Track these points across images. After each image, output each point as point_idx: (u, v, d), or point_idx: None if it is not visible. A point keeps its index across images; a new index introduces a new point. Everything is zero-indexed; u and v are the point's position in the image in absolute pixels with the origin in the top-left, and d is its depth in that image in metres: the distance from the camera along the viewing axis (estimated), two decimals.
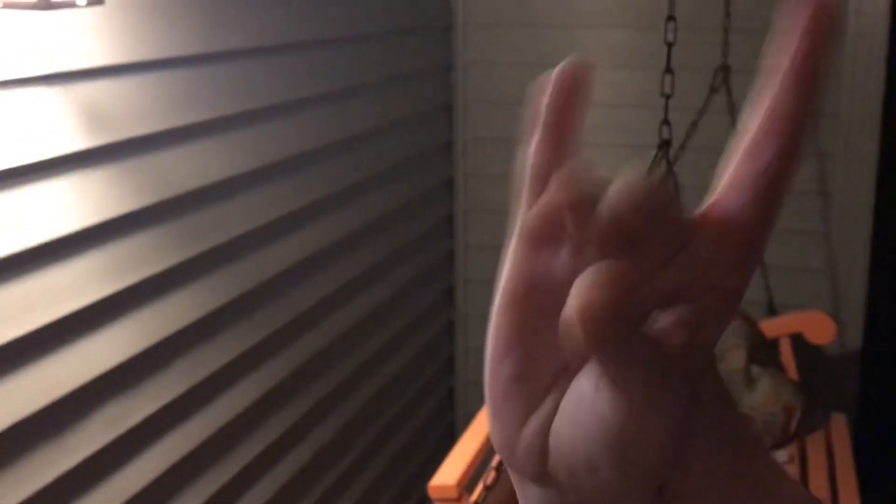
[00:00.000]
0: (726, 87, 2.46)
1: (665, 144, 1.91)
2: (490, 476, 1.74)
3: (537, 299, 0.34)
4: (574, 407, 0.33)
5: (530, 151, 0.35)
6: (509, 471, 0.36)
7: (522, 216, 0.34)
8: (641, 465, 0.32)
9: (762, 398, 2.29)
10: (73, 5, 1.25)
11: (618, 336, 0.29)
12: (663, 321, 0.33)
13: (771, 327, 2.53)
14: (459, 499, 1.70)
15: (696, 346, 0.32)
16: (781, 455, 2.30)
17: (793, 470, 2.22)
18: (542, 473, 0.34)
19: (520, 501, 0.37)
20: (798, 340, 2.53)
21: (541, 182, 0.35)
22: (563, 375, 0.34)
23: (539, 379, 0.34)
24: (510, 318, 0.34)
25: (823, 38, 0.32)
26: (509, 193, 0.36)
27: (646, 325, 0.33)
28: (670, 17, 1.86)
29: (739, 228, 0.32)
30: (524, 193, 0.35)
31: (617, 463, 0.32)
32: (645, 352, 0.31)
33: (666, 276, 0.32)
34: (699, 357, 0.33)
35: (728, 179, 0.33)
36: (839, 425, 2.45)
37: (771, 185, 0.32)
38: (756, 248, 0.33)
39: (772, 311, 2.64)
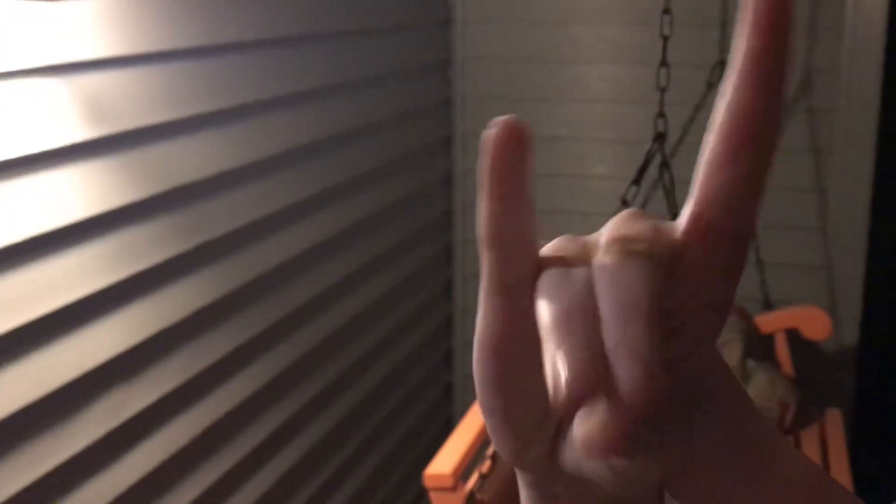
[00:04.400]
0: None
1: (660, 137, 1.93)
2: (486, 465, 1.75)
3: (517, 339, 0.33)
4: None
5: (480, 217, 0.33)
6: (516, 469, 0.36)
7: (482, 271, 0.33)
8: (644, 485, 0.33)
9: (757, 393, 2.30)
10: None
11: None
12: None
13: (767, 322, 2.54)
14: (455, 487, 1.71)
15: (692, 371, 0.32)
16: None
17: None
18: (551, 478, 0.34)
19: (520, 485, 0.37)
20: (794, 336, 2.54)
21: (495, 243, 0.33)
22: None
23: (536, 405, 0.33)
24: (493, 363, 0.33)
25: (775, 31, 0.31)
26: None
27: None
28: (666, 11, 1.87)
29: (722, 243, 0.31)
30: (480, 250, 0.33)
31: (618, 487, 0.32)
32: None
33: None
34: (696, 378, 0.32)
35: (702, 191, 0.32)
36: (834, 420, 2.46)
37: (750, 190, 0.31)
38: (740, 258, 0.32)
39: (768, 306, 2.65)
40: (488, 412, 0.34)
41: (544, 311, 0.31)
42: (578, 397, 0.29)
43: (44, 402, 1.32)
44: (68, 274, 1.36)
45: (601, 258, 0.31)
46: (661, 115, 1.94)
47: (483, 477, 1.73)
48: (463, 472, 1.81)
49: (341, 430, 2.23)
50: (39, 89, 1.31)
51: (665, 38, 1.91)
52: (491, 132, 0.32)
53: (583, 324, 0.30)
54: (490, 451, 1.76)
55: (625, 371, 0.28)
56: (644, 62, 2.57)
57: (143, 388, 1.53)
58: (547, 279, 0.32)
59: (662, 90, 1.94)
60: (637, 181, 1.92)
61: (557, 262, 0.32)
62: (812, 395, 2.53)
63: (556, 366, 0.29)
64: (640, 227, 0.31)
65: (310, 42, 2.03)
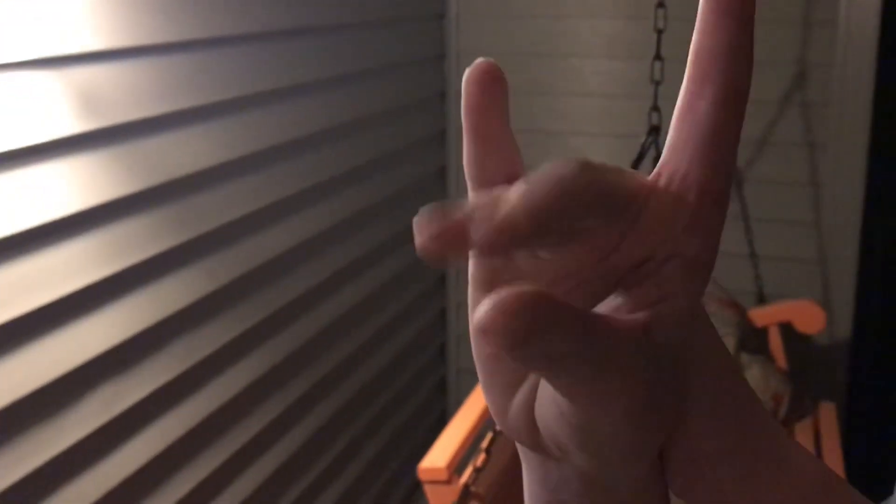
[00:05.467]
0: None
1: (654, 131, 1.93)
2: (480, 458, 1.75)
3: (505, 278, 0.33)
4: (544, 388, 0.33)
5: (464, 161, 0.34)
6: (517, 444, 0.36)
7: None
8: (602, 448, 0.32)
9: (751, 386, 2.31)
10: None
11: (526, 352, 0.27)
12: (625, 299, 0.31)
13: (760, 316, 2.54)
14: (449, 480, 1.71)
15: (661, 321, 0.31)
16: None
17: None
18: (534, 443, 0.34)
19: (523, 466, 0.37)
20: (787, 329, 2.55)
21: (480, 182, 0.34)
22: None
23: None
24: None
25: None
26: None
27: (605, 302, 0.32)
28: (660, 4, 1.87)
29: (691, 190, 0.31)
30: (470, 195, 0.34)
31: (582, 447, 0.32)
32: (581, 339, 0.28)
33: (623, 251, 0.31)
34: (665, 331, 0.31)
35: (671, 141, 0.32)
36: (828, 413, 2.47)
37: (714, 139, 0.30)
38: (713, 209, 0.31)
39: (761, 299, 2.65)
40: (478, 355, 0.34)
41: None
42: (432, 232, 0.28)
43: (37, 396, 1.32)
44: (61, 267, 1.36)
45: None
46: (656, 108, 1.95)
47: (477, 470, 1.73)
48: (457, 466, 1.81)
49: (336, 424, 2.23)
50: (32, 82, 1.30)
51: (659, 32, 1.91)
52: (465, 75, 0.32)
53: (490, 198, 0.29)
54: (485, 444, 1.76)
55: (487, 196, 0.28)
56: (638, 56, 2.57)
57: (137, 381, 1.52)
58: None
59: (657, 84, 1.94)
60: None
61: None
62: (806, 388, 2.54)
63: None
64: (612, 166, 0.31)
65: (304, 35, 2.03)
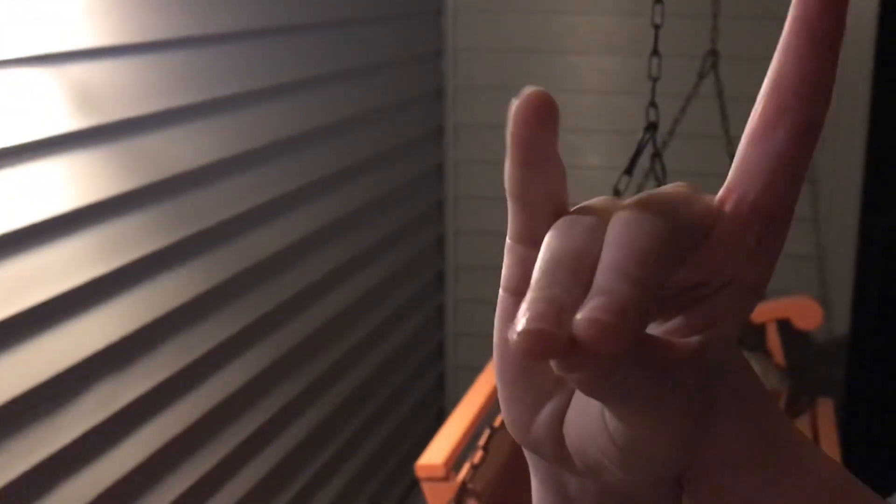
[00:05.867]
0: (715, 72, 2.47)
1: (652, 127, 1.92)
2: (477, 455, 1.75)
3: None
4: (583, 404, 0.32)
5: (507, 178, 0.33)
6: (524, 450, 0.36)
7: (509, 223, 0.33)
8: (647, 467, 0.32)
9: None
10: None
11: (599, 371, 0.27)
12: (678, 321, 0.31)
13: (758, 312, 2.54)
14: (447, 478, 1.71)
15: (713, 345, 0.31)
16: None
17: None
18: (557, 458, 0.34)
19: (532, 475, 0.37)
20: (785, 325, 2.55)
21: (520, 206, 0.32)
22: None
23: (549, 368, 0.32)
24: (515, 311, 0.32)
25: None
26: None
27: (657, 323, 0.32)
28: (658, 0, 1.86)
29: (756, 219, 0.30)
30: (508, 203, 0.33)
31: (624, 468, 0.31)
32: (644, 366, 0.28)
33: (682, 274, 0.31)
34: (716, 354, 0.31)
35: (740, 164, 0.31)
36: (825, 410, 2.47)
37: (787, 169, 0.30)
38: (776, 238, 0.31)
39: None
40: (503, 369, 0.33)
41: (541, 253, 0.29)
42: (527, 350, 0.26)
43: (34, 393, 1.31)
44: (58, 265, 1.35)
45: (624, 206, 0.30)
46: (653, 104, 1.94)
47: (475, 467, 1.73)
48: (455, 463, 1.81)
49: (333, 421, 2.23)
50: (28, 79, 1.30)
51: (657, 28, 1.91)
52: (516, 102, 0.32)
53: (571, 268, 0.28)
54: (482, 441, 1.76)
55: (591, 306, 0.26)
56: (636, 52, 2.57)
57: (135, 378, 1.52)
58: (558, 223, 0.30)
59: (654, 80, 1.94)
60: (629, 171, 1.91)
61: (578, 211, 0.31)
62: (803, 384, 2.54)
63: (517, 318, 0.26)
64: (674, 190, 0.30)
65: (300, 32, 2.03)
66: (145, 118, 1.53)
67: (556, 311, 0.26)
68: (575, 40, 2.76)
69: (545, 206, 0.31)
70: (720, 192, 0.31)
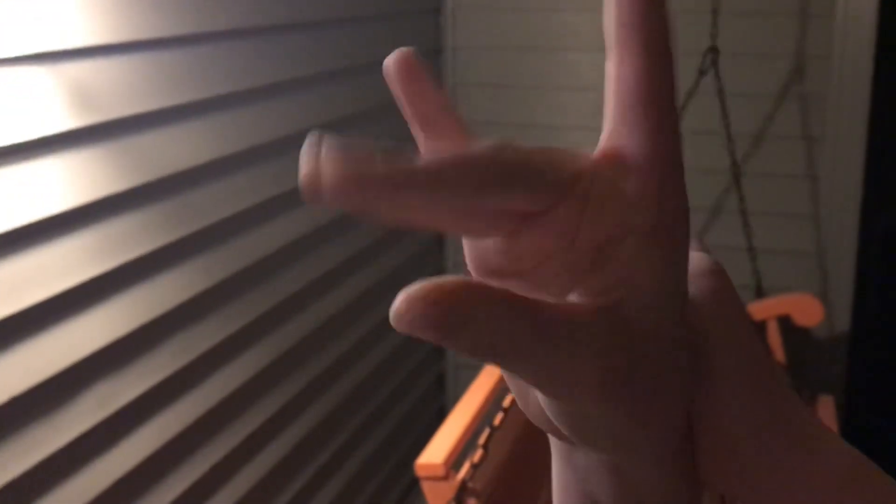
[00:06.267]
0: (715, 69, 2.47)
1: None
2: (477, 454, 1.74)
3: (493, 264, 0.33)
4: None
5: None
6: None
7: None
8: (602, 435, 0.31)
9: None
10: None
11: (453, 341, 0.26)
12: (595, 286, 0.30)
13: (758, 309, 2.54)
14: (447, 477, 1.71)
15: (627, 300, 0.30)
16: None
17: None
18: (554, 431, 0.34)
19: (552, 457, 0.37)
20: (785, 322, 2.54)
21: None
22: None
23: None
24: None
25: None
26: None
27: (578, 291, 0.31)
28: None
29: (633, 157, 0.30)
30: None
31: (576, 436, 0.31)
32: (538, 334, 0.27)
33: (584, 233, 0.30)
34: (639, 311, 0.30)
35: (606, 112, 0.31)
36: (826, 407, 2.46)
37: (645, 102, 0.30)
38: (663, 174, 0.30)
39: (760, 293, 2.65)
40: None
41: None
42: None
43: (32, 393, 1.31)
44: (56, 264, 1.35)
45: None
46: None
47: (475, 466, 1.73)
48: (455, 462, 1.81)
49: (333, 420, 2.22)
50: (26, 78, 1.30)
51: None
52: (384, 71, 0.32)
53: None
54: (482, 440, 1.76)
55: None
56: None
57: (133, 378, 1.52)
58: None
59: None
60: None
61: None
62: (804, 381, 2.53)
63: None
64: (551, 148, 0.30)
65: (299, 30, 2.02)
66: (143, 116, 1.53)
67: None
68: (574, 38, 2.76)
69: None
70: (597, 147, 0.31)
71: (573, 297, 0.31)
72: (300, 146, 0.26)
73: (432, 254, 2.92)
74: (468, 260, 0.34)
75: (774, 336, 2.54)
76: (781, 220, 2.70)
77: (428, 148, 0.33)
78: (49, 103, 1.33)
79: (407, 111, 0.33)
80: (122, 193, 1.48)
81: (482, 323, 0.26)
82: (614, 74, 0.30)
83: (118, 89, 1.47)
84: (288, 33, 1.98)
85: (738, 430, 0.32)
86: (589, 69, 2.76)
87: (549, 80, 2.79)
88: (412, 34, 2.70)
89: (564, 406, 0.30)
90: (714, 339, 0.32)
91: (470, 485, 1.72)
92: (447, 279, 0.27)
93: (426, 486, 1.76)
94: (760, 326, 2.53)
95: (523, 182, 0.29)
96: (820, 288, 2.69)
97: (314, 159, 0.26)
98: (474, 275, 0.34)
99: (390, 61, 0.32)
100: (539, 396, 0.31)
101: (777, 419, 0.32)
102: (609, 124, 0.31)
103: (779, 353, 2.52)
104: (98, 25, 1.43)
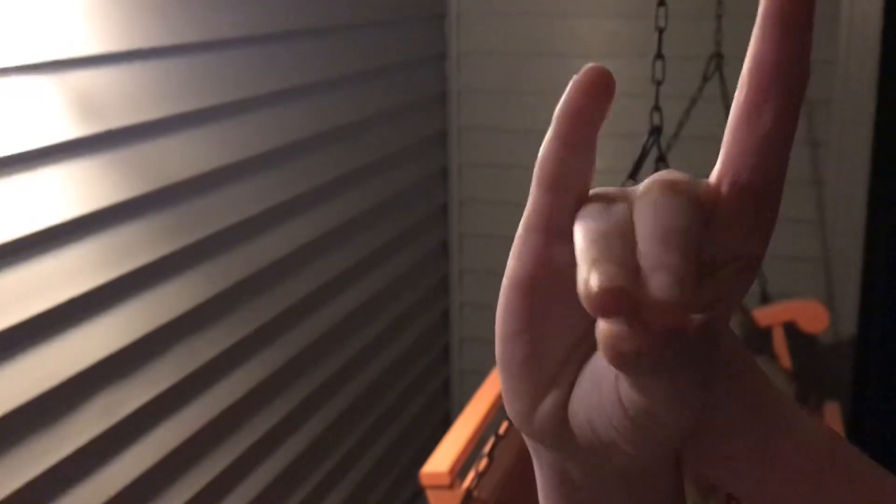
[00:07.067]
0: (719, 74, 2.46)
1: (656, 131, 1.91)
2: (482, 463, 1.74)
3: (546, 283, 0.34)
4: (593, 387, 0.33)
5: (542, 150, 0.34)
6: (526, 440, 0.37)
7: (528, 211, 0.34)
8: (659, 442, 0.33)
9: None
10: None
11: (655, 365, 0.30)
12: None
13: (764, 315, 2.53)
14: (451, 485, 1.70)
15: (719, 318, 0.33)
16: None
17: None
18: (561, 444, 0.34)
19: (535, 467, 0.38)
20: (791, 329, 2.54)
21: (551, 186, 0.34)
22: (576, 352, 0.34)
23: (551, 357, 0.34)
24: (520, 302, 0.34)
25: None
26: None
27: None
28: (661, 3, 1.85)
29: (749, 199, 0.32)
30: (532, 189, 0.34)
31: (633, 441, 0.32)
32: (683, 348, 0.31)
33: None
34: (722, 326, 0.33)
35: (730, 147, 0.32)
36: (832, 414, 2.45)
37: (774, 145, 0.32)
38: (771, 212, 0.33)
39: (765, 299, 2.64)
40: (506, 361, 0.35)
41: (580, 234, 0.31)
42: (606, 307, 0.28)
43: (37, 403, 1.31)
44: (60, 273, 1.35)
45: (643, 193, 0.32)
46: (657, 108, 1.93)
47: (480, 475, 1.72)
48: (460, 471, 1.80)
49: (338, 428, 2.22)
50: (29, 87, 1.29)
51: (660, 31, 1.90)
52: (576, 76, 0.33)
53: (620, 243, 0.30)
54: (487, 448, 1.75)
55: (658, 282, 0.28)
56: (639, 55, 2.56)
57: (138, 387, 1.52)
58: (587, 210, 0.32)
59: (658, 83, 1.93)
60: (633, 175, 1.91)
61: (599, 198, 0.33)
62: (810, 388, 2.52)
63: (589, 281, 0.28)
64: (679, 175, 0.32)
65: (303, 37, 2.02)
66: (147, 125, 1.52)
67: (626, 273, 0.28)
68: (578, 43, 2.75)
69: (574, 194, 0.33)
70: (713, 176, 0.33)
71: None
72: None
73: (437, 260, 2.92)
74: (534, 211, 0.34)
75: (780, 342, 2.53)
76: (787, 225, 2.69)
77: (563, 160, 0.34)
78: (52, 112, 1.33)
79: (567, 127, 0.33)
80: (126, 202, 1.47)
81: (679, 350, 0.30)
82: (750, 116, 0.31)
83: (121, 98, 1.47)
84: (292, 40, 1.97)
85: (722, 421, 0.34)
86: None
87: (553, 85, 2.79)
88: (417, 40, 2.70)
89: (661, 413, 0.31)
90: None
91: (475, 494, 1.72)
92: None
93: (431, 495, 1.76)
94: (766, 333, 2.52)
95: (701, 217, 0.32)
96: (826, 294, 2.68)
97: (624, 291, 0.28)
98: (533, 224, 0.35)
99: (587, 72, 0.33)
100: (620, 405, 0.32)
101: (758, 408, 0.34)
102: (734, 158, 0.32)
103: (784, 359, 2.52)
104: (101, 34, 1.42)
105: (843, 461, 0.34)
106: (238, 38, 1.78)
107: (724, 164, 0.32)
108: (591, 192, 0.34)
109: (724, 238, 0.32)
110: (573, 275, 0.30)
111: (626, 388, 0.31)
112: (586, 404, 0.33)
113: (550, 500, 0.37)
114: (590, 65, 0.33)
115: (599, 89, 0.33)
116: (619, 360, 0.28)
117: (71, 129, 1.36)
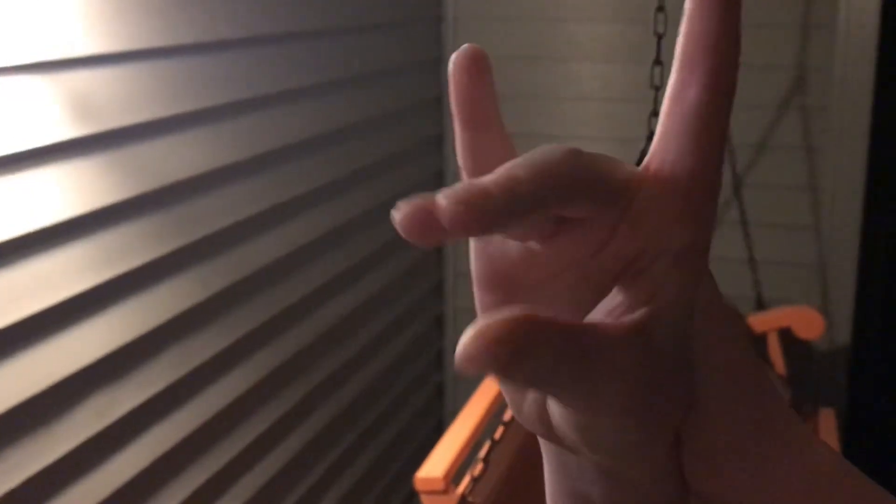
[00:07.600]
0: None
1: (654, 136, 1.91)
2: (477, 468, 1.73)
3: (505, 275, 0.33)
4: None
5: (458, 152, 0.34)
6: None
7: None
8: (614, 447, 0.31)
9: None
10: None
11: (514, 376, 0.27)
12: (620, 300, 0.31)
13: (759, 322, 2.53)
14: (446, 491, 1.70)
15: (656, 319, 0.30)
16: None
17: None
18: (549, 435, 0.34)
19: (544, 460, 0.37)
20: (786, 335, 2.54)
21: (467, 170, 0.34)
22: None
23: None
24: (487, 298, 0.34)
25: None
26: None
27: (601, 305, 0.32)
28: (660, 8, 1.86)
29: (679, 182, 0.30)
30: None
31: (589, 446, 0.32)
32: (571, 353, 0.28)
33: (615, 244, 0.31)
34: (665, 329, 0.30)
35: (660, 129, 0.32)
36: (827, 420, 2.45)
37: (704, 127, 0.30)
38: (703, 197, 0.30)
39: (760, 305, 2.64)
40: None
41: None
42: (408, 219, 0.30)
43: (31, 403, 1.30)
44: (54, 274, 1.34)
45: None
46: (656, 113, 1.93)
47: (475, 480, 1.71)
48: (455, 475, 1.79)
49: (331, 432, 2.21)
50: (25, 87, 1.29)
51: (659, 36, 1.90)
52: (452, 62, 0.33)
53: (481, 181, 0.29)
54: (482, 453, 1.75)
55: (467, 183, 0.28)
56: (638, 60, 2.56)
57: (131, 389, 1.51)
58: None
59: (657, 88, 1.93)
60: None
61: None
62: (805, 394, 2.52)
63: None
64: (603, 155, 0.31)
65: (299, 39, 2.02)
66: (143, 126, 1.52)
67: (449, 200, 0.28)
68: (576, 48, 2.75)
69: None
70: (647, 159, 0.32)
71: (596, 315, 0.31)
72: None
73: (432, 265, 2.91)
74: (476, 270, 0.34)
75: (775, 349, 2.53)
76: (782, 231, 2.69)
77: (470, 144, 0.34)
78: (48, 113, 1.33)
79: (465, 109, 0.33)
80: (121, 203, 1.47)
81: (538, 357, 0.27)
82: (678, 95, 0.31)
83: (118, 99, 1.47)
84: (288, 42, 1.97)
85: (725, 442, 0.33)
86: (590, 79, 2.76)
87: (551, 89, 2.79)
88: (414, 43, 2.69)
89: (581, 418, 0.30)
90: (701, 345, 0.32)
91: (470, 499, 1.71)
92: (509, 314, 0.27)
93: (426, 501, 1.75)
94: (761, 339, 2.52)
95: (590, 189, 0.29)
96: (821, 300, 2.68)
97: (420, 205, 0.29)
98: (477, 286, 0.35)
99: (463, 52, 0.33)
100: (554, 408, 0.32)
101: (763, 429, 0.33)
102: (661, 141, 0.31)
103: (779, 365, 2.52)
104: (98, 35, 1.42)
105: (846, 482, 0.34)
106: (235, 39, 1.77)
107: (653, 146, 0.32)
108: None
109: (650, 224, 0.30)
110: (531, 266, 0.31)
111: (550, 399, 0.31)
112: (550, 404, 0.33)
113: (550, 484, 0.37)
114: (463, 46, 0.33)
115: (475, 65, 0.32)
116: (478, 368, 0.27)
117: (66, 130, 1.35)
